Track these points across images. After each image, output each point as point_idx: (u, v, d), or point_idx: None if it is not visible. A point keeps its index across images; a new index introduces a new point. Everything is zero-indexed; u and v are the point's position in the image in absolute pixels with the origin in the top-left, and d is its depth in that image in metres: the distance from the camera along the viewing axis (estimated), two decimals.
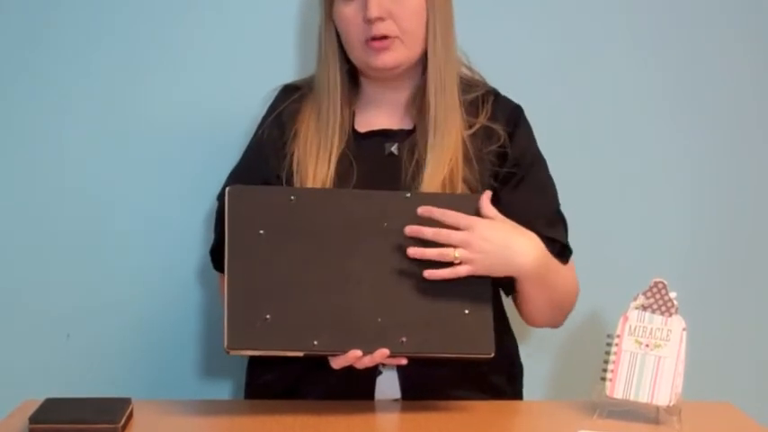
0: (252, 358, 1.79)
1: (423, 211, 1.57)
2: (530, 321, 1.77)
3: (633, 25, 2.12)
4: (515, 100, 1.80)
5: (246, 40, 2.05)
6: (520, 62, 2.08)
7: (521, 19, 2.10)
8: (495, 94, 1.78)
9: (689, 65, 2.14)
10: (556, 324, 1.79)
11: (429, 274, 1.55)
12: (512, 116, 1.76)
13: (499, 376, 1.76)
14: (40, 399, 1.55)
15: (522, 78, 2.04)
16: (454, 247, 1.56)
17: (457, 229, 1.57)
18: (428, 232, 1.56)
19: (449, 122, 1.69)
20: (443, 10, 1.70)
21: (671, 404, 1.54)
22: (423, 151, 1.69)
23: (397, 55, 1.69)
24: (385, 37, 1.66)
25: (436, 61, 1.69)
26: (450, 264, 1.56)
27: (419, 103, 1.73)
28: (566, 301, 1.74)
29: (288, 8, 2.05)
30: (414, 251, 1.56)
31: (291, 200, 1.59)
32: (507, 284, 1.70)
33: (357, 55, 1.70)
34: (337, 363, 1.54)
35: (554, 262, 1.67)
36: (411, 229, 1.57)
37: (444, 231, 1.56)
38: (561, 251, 1.72)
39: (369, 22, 1.65)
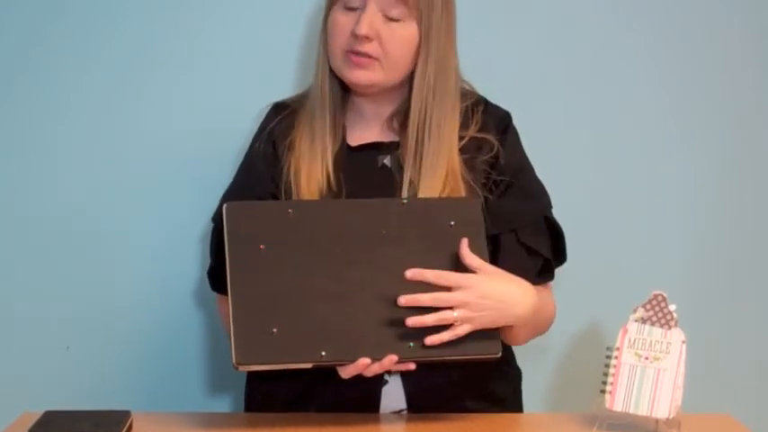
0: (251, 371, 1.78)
1: (412, 274, 1.53)
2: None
3: (634, 31, 2.12)
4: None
5: (243, 58, 2.05)
6: (523, 68, 2.09)
7: (522, 25, 2.10)
8: (485, 102, 1.78)
9: (690, 71, 2.14)
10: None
11: (430, 340, 1.52)
12: (501, 124, 1.76)
13: (500, 383, 1.76)
14: (39, 411, 1.55)
15: (524, 84, 2.05)
16: (452, 308, 1.54)
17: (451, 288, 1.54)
18: (425, 299, 1.53)
19: (441, 134, 1.69)
20: (440, 38, 1.68)
21: (670, 417, 1.54)
22: (412, 164, 1.69)
23: (373, 76, 1.68)
24: (367, 56, 1.67)
25: (424, 84, 1.69)
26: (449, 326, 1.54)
27: (402, 119, 1.73)
28: (544, 327, 1.76)
29: (286, 23, 2.05)
30: (413, 321, 1.52)
31: (289, 213, 1.59)
32: None
33: (335, 64, 1.70)
34: (346, 372, 1.53)
35: (542, 300, 1.66)
36: (407, 300, 1.52)
37: (442, 296, 1.53)
38: (545, 266, 1.72)
39: (356, 37, 1.66)
